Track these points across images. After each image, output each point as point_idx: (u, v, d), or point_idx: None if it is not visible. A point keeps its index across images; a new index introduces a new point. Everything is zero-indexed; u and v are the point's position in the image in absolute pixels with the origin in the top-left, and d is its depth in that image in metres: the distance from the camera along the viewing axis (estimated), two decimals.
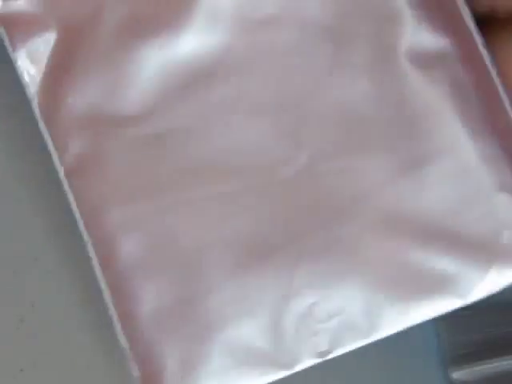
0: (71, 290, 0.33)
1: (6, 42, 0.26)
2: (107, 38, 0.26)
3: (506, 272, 0.25)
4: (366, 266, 0.25)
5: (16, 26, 0.26)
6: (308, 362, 0.25)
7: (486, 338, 0.32)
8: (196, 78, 0.26)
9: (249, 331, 0.25)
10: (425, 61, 0.26)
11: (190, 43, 0.26)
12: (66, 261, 0.33)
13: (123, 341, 0.25)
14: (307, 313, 0.25)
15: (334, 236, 0.26)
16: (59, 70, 0.26)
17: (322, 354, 0.25)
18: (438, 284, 0.25)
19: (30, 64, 0.26)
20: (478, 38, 0.25)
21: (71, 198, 0.26)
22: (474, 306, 0.33)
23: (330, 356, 0.25)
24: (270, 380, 0.25)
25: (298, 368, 0.25)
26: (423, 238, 0.25)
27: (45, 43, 0.26)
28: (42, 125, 0.26)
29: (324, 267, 0.25)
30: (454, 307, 0.25)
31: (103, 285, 0.26)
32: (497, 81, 0.25)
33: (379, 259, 0.25)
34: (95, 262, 0.26)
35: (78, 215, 0.26)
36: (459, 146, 0.25)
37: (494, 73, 0.25)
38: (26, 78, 0.26)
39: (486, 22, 0.27)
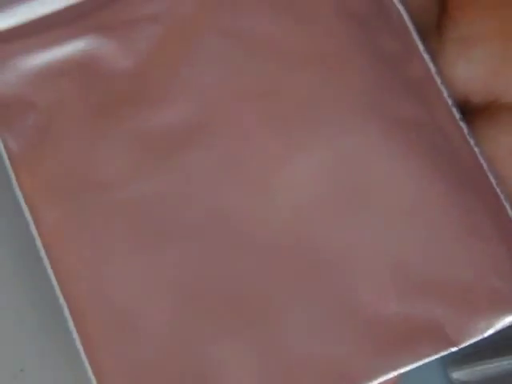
0: None
1: None
2: (85, 113, 0.27)
3: (493, 318, 0.25)
4: (352, 317, 0.25)
5: None
6: None
7: (487, 337, 0.33)
8: (173, 146, 0.27)
9: None
10: (402, 127, 0.26)
11: (168, 114, 0.27)
12: None
13: None
14: (295, 362, 0.25)
15: (321, 287, 0.26)
16: (37, 144, 0.27)
17: None
18: (425, 331, 0.25)
19: (10, 140, 0.27)
20: (455, 112, 0.26)
21: (47, 264, 0.26)
22: None
23: None
24: None
25: None
26: (408, 287, 0.26)
27: (25, 120, 0.27)
28: (20, 197, 0.26)
29: (312, 318, 0.26)
30: (444, 353, 0.25)
31: (79, 345, 0.26)
32: (476, 149, 0.26)
33: (366, 310, 0.25)
34: (71, 325, 0.26)
35: (54, 281, 0.26)
36: (439, 202, 0.26)
37: (471, 142, 0.26)
38: (6, 154, 0.27)
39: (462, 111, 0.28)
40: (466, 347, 0.33)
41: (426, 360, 0.25)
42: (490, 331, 0.25)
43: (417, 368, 0.34)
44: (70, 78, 0.27)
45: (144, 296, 0.26)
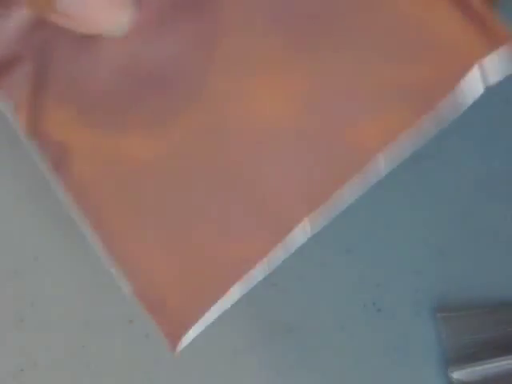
0: (71, 290, 0.33)
1: None
2: (72, 51, 0.27)
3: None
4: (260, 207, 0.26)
5: None
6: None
7: (487, 337, 0.33)
8: (176, 102, 0.27)
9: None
10: None
11: (157, 48, 0.27)
12: (65, 260, 0.33)
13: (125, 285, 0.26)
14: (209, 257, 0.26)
15: (235, 188, 0.26)
16: (37, 95, 0.27)
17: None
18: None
19: (11, 99, 0.27)
20: None
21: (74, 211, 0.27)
22: (475, 306, 0.33)
23: None
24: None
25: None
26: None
27: (21, 76, 0.28)
28: (35, 154, 0.27)
29: (222, 217, 0.26)
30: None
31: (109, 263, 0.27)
32: None
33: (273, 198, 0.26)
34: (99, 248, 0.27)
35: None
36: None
37: None
38: (11, 113, 0.27)
39: None
40: (466, 347, 0.33)
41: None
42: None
43: (417, 368, 0.34)
44: (49, 29, 0.27)
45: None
